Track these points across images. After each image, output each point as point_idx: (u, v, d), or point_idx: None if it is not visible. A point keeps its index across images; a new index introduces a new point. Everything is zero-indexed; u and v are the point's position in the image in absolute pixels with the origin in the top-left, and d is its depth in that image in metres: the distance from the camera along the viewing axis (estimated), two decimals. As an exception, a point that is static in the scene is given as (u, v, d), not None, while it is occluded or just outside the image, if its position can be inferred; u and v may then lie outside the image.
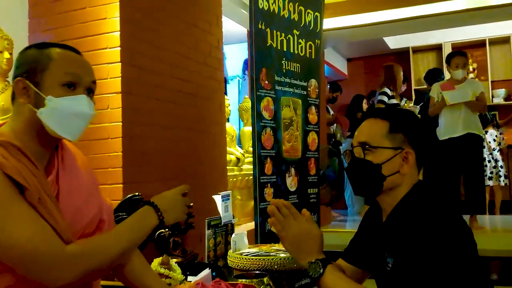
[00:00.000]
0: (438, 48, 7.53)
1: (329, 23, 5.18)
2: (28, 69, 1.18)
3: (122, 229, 1.22)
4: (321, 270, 1.29)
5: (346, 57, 8.18)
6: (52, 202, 1.14)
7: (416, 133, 1.38)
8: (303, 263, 1.34)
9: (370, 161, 1.35)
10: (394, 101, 5.21)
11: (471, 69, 7.16)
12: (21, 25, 2.66)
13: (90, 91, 1.25)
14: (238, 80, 6.10)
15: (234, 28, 4.70)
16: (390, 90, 5.23)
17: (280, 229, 1.35)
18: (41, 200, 1.10)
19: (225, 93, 3.96)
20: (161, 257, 1.78)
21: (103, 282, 1.72)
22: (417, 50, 7.70)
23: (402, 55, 7.70)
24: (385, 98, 5.16)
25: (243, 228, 3.55)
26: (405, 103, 5.69)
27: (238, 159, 3.97)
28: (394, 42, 7.44)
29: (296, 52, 3.79)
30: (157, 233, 2.34)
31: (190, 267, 2.15)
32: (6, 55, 2.30)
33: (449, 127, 4.46)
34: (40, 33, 2.61)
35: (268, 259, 2.00)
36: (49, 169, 1.23)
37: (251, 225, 3.41)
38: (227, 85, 5.82)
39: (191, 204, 1.38)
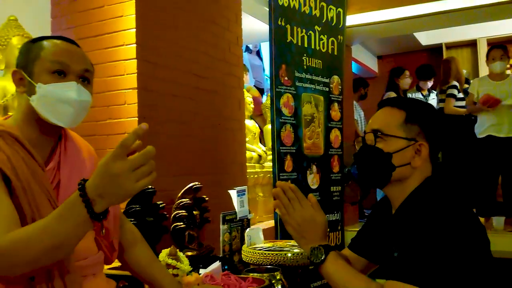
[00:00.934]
0: (473, 44, 7.25)
1: (356, 19, 5.10)
2: (23, 60, 1.23)
3: (53, 216, 1.01)
4: (323, 257, 1.28)
5: (376, 54, 8.04)
6: (43, 192, 1.15)
7: (433, 126, 1.34)
8: (305, 248, 1.33)
9: (380, 149, 1.32)
10: (461, 95, 5.09)
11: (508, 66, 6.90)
12: (44, 24, 2.75)
13: (84, 79, 1.26)
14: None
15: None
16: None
17: (284, 213, 1.34)
18: (25, 189, 1.11)
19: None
20: (168, 248, 1.79)
21: (110, 271, 1.75)
22: (451, 46, 7.46)
23: (435, 51, 7.50)
24: (455, 92, 5.04)
25: (265, 225, 3.54)
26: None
27: (260, 156, 3.96)
28: (426, 38, 7.26)
29: (317, 48, 3.76)
30: (173, 226, 2.37)
31: (204, 260, 2.16)
32: (27, 53, 2.37)
33: (493, 125, 4.28)
34: (61, 31, 2.69)
35: (281, 254, 1.99)
36: (51, 158, 1.26)
37: (273, 222, 3.40)
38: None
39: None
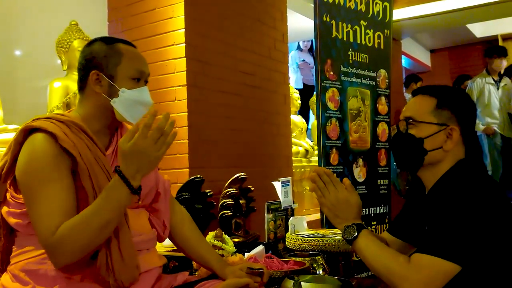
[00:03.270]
0: (531, 34, 7.00)
1: (405, 12, 5.04)
2: (100, 62, 1.36)
3: (98, 203, 1.20)
4: (355, 233, 1.35)
5: (429, 48, 7.86)
6: (104, 173, 1.30)
7: (464, 110, 1.39)
8: (339, 227, 1.40)
9: (412, 135, 1.38)
10: None
11: None
12: (102, 27, 2.96)
13: (146, 83, 1.44)
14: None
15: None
16: None
17: (320, 195, 1.42)
18: (89, 172, 1.26)
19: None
20: (215, 231, 1.91)
21: (163, 252, 1.90)
22: (508, 37, 7.19)
23: (491, 43, 7.23)
24: None
25: (311, 218, 3.61)
26: None
27: (306, 151, 4.03)
28: (480, 29, 7.03)
29: (363, 42, 3.77)
30: (220, 214, 2.50)
31: (250, 246, 2.28)
32: (87, 54, 2.57)
33: None
34: (117, 34, 2.89)
35: (323, 241, 2.06)
36: (110, 145, 1.42)
37: (319, 215, 3.46)
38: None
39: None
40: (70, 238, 1.17)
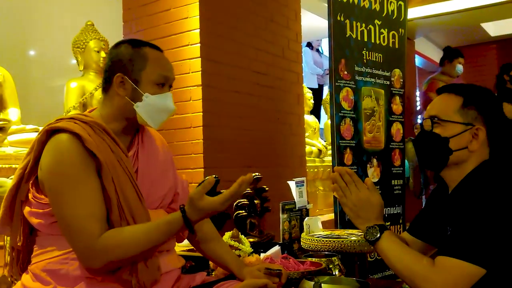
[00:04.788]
0: (547, 33, 6.89)
1: (419, 11, 5.00)
2: (126, 65, 1.37)
3: (153, 229, 1.26)
4: (378, 234, 1.33)
5: (442, 47, 7.77)
6: (127, 175, 1.31)
7: (490, 110, 1.36)
8: (361, 227, 1.39)
9: (438, 134, 1.36)
10: None
11: None
12: (117, 28, 2.98)
13: (170, 87, 1.44)
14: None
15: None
16: None
17: (341, 195, 1.41)
18: (112, 173, 1.27)
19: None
20: (231, 231, 1.91)
21: (180, 252, 1.90)
22: (523, 36, 7.12)
23: (506, 43, 7.15)
24: None
25: (325, 218, 3.60)
26: None
27: (320, 150, 4.02)
28: (495, 28, 6.94)
29: (377, 42, 3.75)
30: (235, 213, 2.50)
31: (265, 246, 2.27)
32: (103, 54, 2.61)
33: None
34: (132, 34, 2.90)
35: (339, 241, 2.04)
36: (131, 147, 1.43)
37: (333, 215, 3.45)
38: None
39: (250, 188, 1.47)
40: (115, 250, 1.22)
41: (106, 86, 1.41)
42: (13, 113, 2.85)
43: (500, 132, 1.37)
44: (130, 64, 1.36)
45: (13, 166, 2.42)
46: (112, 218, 1.26)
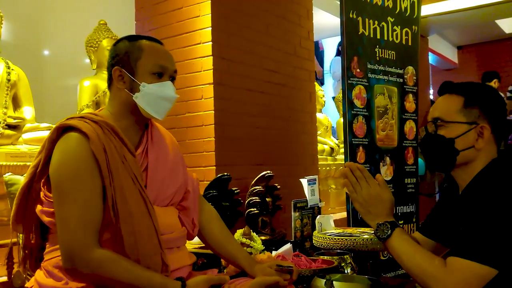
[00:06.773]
0: None
1: (432, 8, 4.95)
2: (122, 59, 1.37)
3: (142, 277, 1.24)
4: (389, 232, 1.32)
5: (456, 44, 7.70)
6: (130, 177, 1.30)
7: (493, 108, 1.35)
8: (371, 224, 1.38)
9: (442, 136, 1.35)
10: None
11: None
12: (129, 26, 3.00)
13: (173, 79, 1.43)
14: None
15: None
16: None
17: (352, 190, 1.41)
18: (113, 175, 1.27)
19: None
20: (243, 229, 1.91)
21: (192, 250, 1.91)
22: (538, 33, 7.01)
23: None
24: None
25: (337, 216, 3.58)
26: None
27: (332, 149, 4.00)
28: (510, 25, 6.85)
29: (390, 39, 3.72)
30: (247, 211, 2.50)
31: (277, 244, 2.27)
32: (115, 53, 2.60)
33: None
34: (144, 32, 2.90)
35: (351, 239, 2.03)
36: (140, 144, 1.43)
37: (345, 213, 3.43)
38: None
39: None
40: (107, 272, 1.21)
41: (109, 83, 1.42)
42: (27, 111, 2.89)
43: (505, 129, 1.37)
44: (126, 57, 1.37)
45: (28, 163, 2.45)
46: (104, 223, 1.26)
